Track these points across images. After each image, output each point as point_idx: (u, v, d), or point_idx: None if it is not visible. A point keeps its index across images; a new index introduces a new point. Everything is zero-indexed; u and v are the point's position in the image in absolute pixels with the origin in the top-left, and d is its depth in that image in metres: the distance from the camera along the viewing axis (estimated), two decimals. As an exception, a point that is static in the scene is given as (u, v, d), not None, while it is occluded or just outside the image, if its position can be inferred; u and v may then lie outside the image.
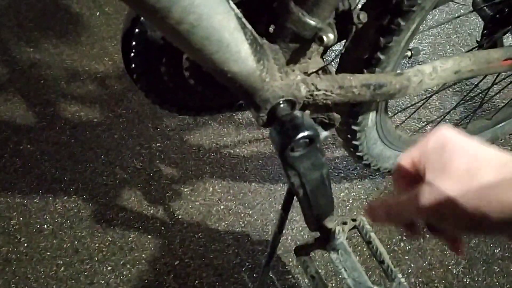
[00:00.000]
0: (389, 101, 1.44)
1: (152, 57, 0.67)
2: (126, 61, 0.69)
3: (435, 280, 1.10)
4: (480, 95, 1.44)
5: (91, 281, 1.05)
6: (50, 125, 1.31)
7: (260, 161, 1.28)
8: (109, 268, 1.07)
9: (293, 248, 0.89)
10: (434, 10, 1.80)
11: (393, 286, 0.81)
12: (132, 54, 0.66)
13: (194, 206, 1.18)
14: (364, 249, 1.13)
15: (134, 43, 0.65)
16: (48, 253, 1.09)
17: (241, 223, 1.16)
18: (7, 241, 1.10)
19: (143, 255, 1.09)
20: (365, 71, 0.72)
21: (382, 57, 0.70)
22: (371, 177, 1.28)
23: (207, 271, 1.08)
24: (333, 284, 1.07)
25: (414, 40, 1.68)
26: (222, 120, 1.36)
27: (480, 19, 1.06)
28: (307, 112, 0.72)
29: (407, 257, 1.13)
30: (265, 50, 0.58)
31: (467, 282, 1.10)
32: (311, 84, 0.65)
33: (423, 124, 1.39)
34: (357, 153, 0.96)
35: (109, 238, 1.11)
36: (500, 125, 1.23)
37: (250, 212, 1.18)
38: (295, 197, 0.71)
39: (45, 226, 1.13)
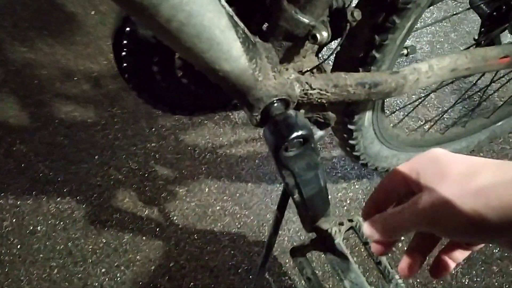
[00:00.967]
0: (387, 99, 1.44)
1: (144, 56, 0.66)
2: (118, 60, 0.67)
3: (433, 281, 1.09)
4: (478, 93, 1.43)
5: (85, 283, 1.04)
6: (44, 126, 1.30)
7: (256, 161, 1.27)
8: (103, 270, 1.06)
9: (289, 249, 0.88)
10: (432, 8, 1.79)
11: (390, 287, 0.80)
12: (124, 53, 0.65)
13: (189, 207, 1.17)
14: (361, 250, 1.12)
15: (125, 41, 0.64)
16: (41, 255, 1.07)
17: (237, 224, 1.15)
18: (0, 243, 1.09)
19: (138, 257, 1.08)
20: (360, 69, 0.71)
21: (377, 55, 0.68)
22: (368, 177, 1.27)
23: (203, 272, 1.07)
24: (330, 286, 1.06)
25: (412, 38, 1.67)
26: (218, 119, 1.35)
27: (478, 18, 1.05)
28: (302, 111, 0.70)
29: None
30: (258, 48, 0.57)
31: (466, 283, 1.09)
32: (305, 83, 0.63)
33: (421, 123, 1.38)
34: (354, 153, 0.95)
35: (103, 239, 1.10)
36: (499, 123, 1.22)
37: (246, 212, 1.17)
38: (290, 197, 0.70)
39: (38, 227, 1.11)
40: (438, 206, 0.36)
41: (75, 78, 1.41)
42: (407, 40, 1.65)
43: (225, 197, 1.20)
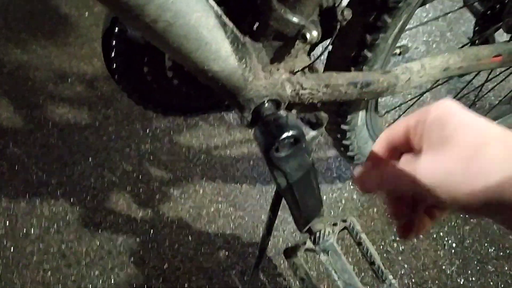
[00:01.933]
0: (382, 98, 1.43)
1: (134, 56, 0.66)
2: (107, 61, 0.67)
3: (429, 281, 1.09)
4: (474, 92, 1.42)
5: (79, 285, 1.03)
6: (37, 128, 1.29)
7: (251, 162, 1.27)
8: (96, 272, 1.05)
9: (283, 250, 0.88)
10: (428, 7, 1.79)
11: (384, 287, 0.80)
12: (113, 54, 0.65)
13: (184, 208, 1.17)
14: (357, 250, 1.11)
15: (114, 42, 0.63)
16: (34, 258, 1.07)
17: (231, 225, 1.15)
18: (-7, 246, 1.08)
19: (132, 258, 1.07)
20: (352, 69, 0.71)
21: (369, 54, 0.68)
22: (363, 176, 1.27)
23: (197, 274, 1.06)
24: (325, 286, 1.06)
25: (408, 38, 1.67)
26: (213, 121, 1.34)
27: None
28: (294, 111, 0.70)
29: (400, 258, 1.12)
30: (248, 48, 0.57)
31: (461, 282, 1.09)
32: (296, 83, 0.63)
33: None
34: (348, 153, 0.94)
35: (97, 242, 1.09)
36: (495, 122, 1.22)
37: (241, 214, 1.17)
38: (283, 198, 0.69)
39: (32, 230, 1.11)
40: (438, 176, 0.33)
41: (69, 80, 1.41)
42: (403, 40, 1.65)
43: (219, 199, 1.19)
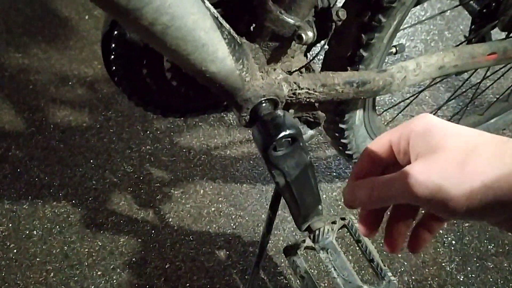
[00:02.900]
0: (381, 97, 1.44)
1: (133, 59, 0.66)
2: (107, 63, 0.68)
3: (429, 278, 1.09)
4: (472, 90, 1.43)
5: (81, 286, 1.04)
6: (39, 130, 1.30)
7: (251, 162, 1.27)
8: (99, 273, 1.06)
9: (283, 248, 0.89)
10: (425, 6, 1.80)
11: (383, 285, 0.81)
12: (112, 57, 0.66)
13: (184, 208, 1.18)
14: (356, 248, 1.12)
15: (113, 45, 0.64)
16: (37, 259, 1.08)
17: (232, 224, 1.16)
18: (-3, 248, 1.09)
19: (133, 259, 1.08)
20: (349, 68, 0.72)
21: (365, 54, 0.69)
22: (363, 175, 1.27)
23: (198, 273, 1.07)
24: (325, 284, 1.06)
25: (406, 37, 1.68)
26: (212, 121, 1.35)
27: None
28: (291, 111, 0.71)
29: (400, 255, 1.13)
30: (245, 49, 0.58)
31: (461, 279, 1.10)
32: (293, 83, 0.64)
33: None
34: (347, 152, 0.95)
35: (99, 242, 1.10)
36: (493, 120, 1.22)
37: (241, 213, 1.18)
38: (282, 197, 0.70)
39: (35, 232, 1.12)
40: (434, 181, 0.33)
41: (69, 83, 1.42)
42: (401, 39, 1.66)
43: (220, 198, 1.20)
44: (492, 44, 0.79)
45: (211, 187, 1.22)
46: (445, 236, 1.17)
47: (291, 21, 0.56)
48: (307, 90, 0.65)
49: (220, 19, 0.52)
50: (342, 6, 0.63)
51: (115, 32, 0.63)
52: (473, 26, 1.06)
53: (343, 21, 0.61)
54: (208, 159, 1.27)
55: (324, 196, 1.23)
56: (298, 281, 1.00)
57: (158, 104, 0.76)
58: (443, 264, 1.12)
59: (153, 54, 0.66)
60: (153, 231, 1.13)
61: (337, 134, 0.89)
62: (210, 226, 1.15)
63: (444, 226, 1.15)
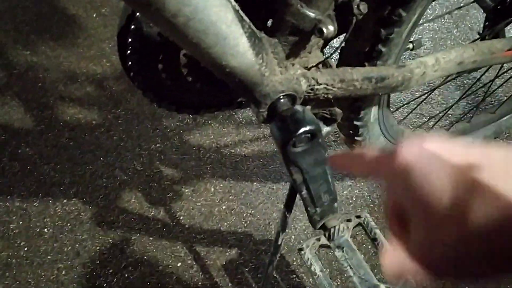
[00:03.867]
0: (391, 95, 1.43)
1: (149, 54, 0.66)
2: (123, 59, 0.67)
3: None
4: (483, 88, 1.42)
5: (93, 284, 1.04)
6: (48, 128, 1.30)
7: (261, 160, 1.27)
8: (110, 271, 1.06)
9: (297, 247, 0.88)
10: (434, 4, 1.79)
11: (399, 283, 0.80)
12: (129, 52, 0.65)
13: (195, 207, 1.17)
14: (369, 246, 1.11)
15: (130, 40, 0.64)
16: (49, 257, 1.07)
17: (243, 223, 1.15)
18: (7, 246, 1.09)
19: (145, 257, 1.08)
20: (366, 64, 0.71)
21: (383, 49, 0.68)
22: (374, 173, 1.26)
23: (211, 272, 1.06)
24: (338, 283, 1.05)
25: (414, 35, 1.67)
26: (222, 119, 1.35)
27: (481, 14, 1.05)
28: (308, 107, 0.70)
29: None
30: (264, 43, 0.57)
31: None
32: (311, 78, 0.63)
33: (425, 119, 1.38)
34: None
35: (110, 240, 1.10)
36: (505, 118, 1.22)
37: (252, 211, 1.17)
38: (297, 195, 0.69)
39: (45, 229, 1.11)
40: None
41: (78, 81, 1.41)
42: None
43: (230, 197, 1.19)
44: (510, 40, 0.78)
45: (221, 185, 1.21)
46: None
47: (312, 14, 0.55)
48: (325, 86, 0.64)
49: (241, 12, 0.51)
50: (362, 0, 0.62)
51: (132, 27, 0.62)
52: (487, 23, 1.05)
53: (363, 15, 0.60)
54: (218, 157, 1.27)
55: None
56: (311, 280, 0.99)
57: (172, 100, 0.76)
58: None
59: (170, 49, 0.66)
60: (164, 229, 1.12)
61: (351, 132, 0.89)
62: (221, 225, 1.14)
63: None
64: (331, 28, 0.55)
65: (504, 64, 1.00)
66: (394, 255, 0.31)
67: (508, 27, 1.01)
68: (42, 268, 1.06)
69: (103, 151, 1.26)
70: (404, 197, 0.30)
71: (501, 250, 0.25)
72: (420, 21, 0.71)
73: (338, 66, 0.68)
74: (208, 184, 1.21)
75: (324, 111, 0.72)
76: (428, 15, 1.75)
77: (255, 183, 1.22)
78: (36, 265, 1.06)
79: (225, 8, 0.48)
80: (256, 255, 1.09)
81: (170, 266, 1.07)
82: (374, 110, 0.85)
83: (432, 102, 1.45)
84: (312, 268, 0.83)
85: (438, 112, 1.41)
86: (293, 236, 1.13)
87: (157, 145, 1.28)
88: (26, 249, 1.08)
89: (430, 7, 1.81)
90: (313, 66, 0.65)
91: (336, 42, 1.37)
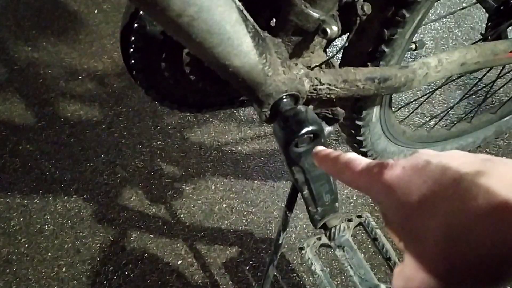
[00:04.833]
0: (393, 96, 1.43)
1: (152, 52, 0.66)
2: (126, 57, 0.67)
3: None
4: (484, 89, 1.42)
5: (93, 281, 1.04)
6: (49, 125, 1.30)
7: (262, 159, 1.27)
8: (111, 268, 1.06)
9: (298, 246, 0.88)
10: (436, 4, 1.79)
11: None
12: (131, 50, 0.65)
13: (196, 204, 1.17)
14: (369, 246, 1.11)
15: (133, 38, 0.63)
16: (49, 254, 1.07)
17: (244, 221, 1.15)
18: (8, 242, 1.09)
19: (145, 254, 1.08)
20: (369, 64, 0.71)
21: (386, 50, 0.68)
22: (374, 173, 1.26)
23: (211, 270, 1.06)
24: (339, 282, 1.06)
25: (416, 35, 1.66)
26: (224, 117, 1.35)
27: (482, 13, 1.05)
28: (311, 107, 0.70)
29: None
30: (267, 43, 0.57)
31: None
32: (314, 78, 0.63)
33: (427, 119, 1.38)
34: (361, 149, 0.94)
35: (110, 237, 1.10)
36: (505, 119, 1.21)
37: (253, 210, 1.17)
38: (299, 194, 0.69)
39: (46, 226, 1.12)
40: None
41: (79, 77, 1.41)
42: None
43: (231, 195, 1.19)
44: (513, 41, 0.78)
45: (222, 183, 1.21)
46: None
47: (316, 15, 0.55)
48: (328, 86, 0.64)
49: (245, 12, 0.51)
50: (366, 0, 0.62)
51: (135, 25, 0.62)
52: (489, 24, 1.05)
53: (367, 15, 0.60)
54: (219, 155, 1.27)
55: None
56: (311, 278, 1.00)
57: (175, 98, 0.76)
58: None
59: (172, 48, 0.65)
60: (164, 227, 1.12)
61: (353, 131, 0.89)
62: (222, 223, 1.14)
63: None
64: (334, 28, 0.55)
65: (506, 65, 1.00)
66: (402, 272, 0.31)
67: (510, 28, 1.01)
68: (42, 265, 1.06)
69: (104, 148, 1.26)
70: (393, 213, 0.31)
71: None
72: (425, 21, 0.70)
73: (341, 66, 0.68)
74: (209, 182, 1.21)
75: (327, 111, 0.72)
76: (430, 15, 1.75)
77: (256, 182, 1.22)
78: (36, 261, 1.06)
79: (229, 8, 0.48)
80: (256, 253, 1.10)
81: (170, 264, 1.07)
82: (376, 110, 0.85)
83: (433, 102, 1.45)
84: (313, 267, 0.83)
85: (439, 112, 1.41)
86: (293, 235, 1.13)
87: (158, 142, 1.28)
88: (26, 245, 1.08)
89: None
90: (316, 66, 0.65)
91: (339, 41, 1.37)
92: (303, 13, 0.55)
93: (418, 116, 1.40)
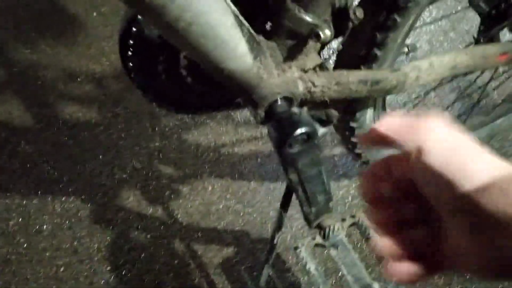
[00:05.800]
0: (387, 97, 1.44)
1: (150, 55, 0.67)
2: (124, 60, 0.69)
3: (436, 275, 1.10)
4: (478, 91, 1.44)
5: (91, 281, 1.05)
6: (48, 126, 1.31)
7: (258, 160, 1.28)
8: (108, 268, 1.07)
9: (293, 245, 0.89)
10: (431, 7, 1.80)
11: (392, 283, 0.82)
12: (130, 53, 0.66)
13: (193, 205, 1.18)
14: (364, 246, 1.13)
15: (131, 42, 0.65)
16: (47, 254, 1.09)
17: (240, 221, 1.16)
18: (7, 242, 1.10)
19: (143, 254, 1.09)
20: (362, 67, 0.72)
21: (379, 53, 0.70)
22: (369, 174, 1.28)
23: (207, 270, 1.08)
24: (333, 281, 1.07)
25: (411, 37, 1.68)
26: (220, 119, 1.36)
27: (478, 17, 1.06)
28: (305, 108, 0.72)
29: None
30: (262, 47, 0.58)
31: (467, 276, 1.10)
32: (308, 81, 0.65)
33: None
34: (356, 151, 0.96)
35: (108, 238, 1.11)
36: (499, 121, 1.23)
37: (249, 210, 1.18)
38: (293, 194, 0.71)
39: (44, 226, 1.13)
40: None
41: (78, 79, 1.42)
42: (408, 39, 1.66)
43: (228, 196, 1.21)
44: (504, 45, 0.80)
45: (219, 184, 1.23)
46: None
47: (309, 19, 0.56)
48: (321, 88, 0.66)
49: (240, 16, 0.53)
50: (358, 5, 0.64)
51: (133, 29, 0.63)
52: (481, 27, 1.06)
53: (359, 20, 0.62)
54: (216, 156, 1.28)
55: (331, 194, 1.23)
56: (306, 278, 1.01)
57: (172, 101, 0.77)
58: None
59: (170, 51, 0.67)
60: (162, 227, 1.14)
61: (347, 133, 0.90)
62: (219, 223, 1.16)
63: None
64: (327, 32, 0.57)
65: (500, 67, 1.02)
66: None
67: (503, 31, 1.03)
68: (41, 265, 1.07)
69: (102, 150, 1.27)
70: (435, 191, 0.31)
71: None
72: (417, 25, 0.72)
73: (335, 68, 0.69)
74: (206, 182, 1.23)
75: (320, 113, 0.74)
76: (426, 18, 1.77)
77: (252, 182, 1.24)
78: (35, 261, 1.07)
79: (225, 13, 0.49)
80: (252, 253, 1.11)
81: (167, 264, 1.08)
82: (370, 112, 0.86)
83: (428, 103, 1.46)
84: (307, 267, 0.84)
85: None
86: (289, 235, 1.15)
87: (156, 144, 1.29)
88: (25, 245, 1.10)
89: (427, 9, 1.83)
90: (310, 69, 0.67)
91: (334, 44, 1.39)
92: (297, 18, 0.56)
93: (413, 118, 1.41)
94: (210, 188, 1.22)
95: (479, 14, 1.03)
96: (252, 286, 1.05)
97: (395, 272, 0.34)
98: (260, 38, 0.59)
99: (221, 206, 1.19)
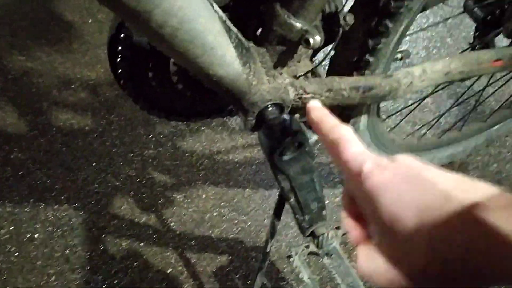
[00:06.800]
0: (383, 103, 1.44)
1: (139, 62, 0.67)
2: (113, 66, 0.68)
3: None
4: (474, 97, 1.43)
5: (83, 290, 1.04)
6: (41, 133, 1.30)
7: (253, 167, 1.27)
8: (100, 277, 1.06)
9: (287, 254, 0.88)
10: (427, 13, 1.80)
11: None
12: (119, 59, 0.66)
13: (187, 213, 1.17)
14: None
15: (120, 48, 0.64)
16: (39, 263, 1.07)
17: (234, 229, 1.15)
18: (-2, 251, 1.09)
19: (135, 263, 1.08)
20: (354, 73, 0.72)
21: (371, 59, 0.69)
22: (365, 181, 1.27)
23: (201, 278, 1.06)
24: (328, 290, 1.06)
25: (408, 44, 1.68)
26: (215, 126, 1.35)
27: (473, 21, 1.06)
28: (297, 115, 0.71)
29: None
30: (252, 53, 0.58)
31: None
32: (299, 87, 0.64)
33: (417, 127, 1.38)
34: (350, 157, 0.95)
35: (100, 246, 1.10)
36: (495, 127, 1.22)
37: (244, 218, 1.17)
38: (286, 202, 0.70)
39: (36, 235, 1.11)
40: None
41: (72, 86, 1.42)
42: (403, 45, 1.66)
43: (222, 203, 1.20)
44: (498, 51, 0.79)
45: (213, 191, 1.22)
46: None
47: (298, 25, 0.56)
48: (313, 95, 0.65)
49: (228, 22, 0.52)
50: (349, 11, 0.63)
51: (122, 35, 0.63)
52: (477, 33, 1.06)
53: (350, 26, 0.61)
54: (211, 163, 1.27)
55: (327, 201, 1.22)
56: (301, 286, 1.00)
57: (163, 107, 0.76)
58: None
59: (159, 58, 0.66)
60: (155, 236, 1.12)
61: (341, 140, 0.89)
62: (213, 231, 1.14)
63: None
64: (317, 38, 0.56)
65: (497, 73, 1.01)
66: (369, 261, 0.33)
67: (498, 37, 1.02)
68: (32, 274, 1.06)
69: (96, 157, 1.26)
70: (368, 209, 0.33)
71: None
72: (414, 30, 0.71)
73: (327, 75, 0.69)
74: (200, 190, 1.22)
75: (313, 120, 0.73)
76: (423, 24, 1.77)
77: (247, 190, 1.23)
78: (26, 270, 1.06)
79: (212, 18, 0.49)
80: (246, 261, 1.10)
81: (160, 273, 1.07)
82: (363, 118, 0.85)
83: (424, 110, 1.46)
84: (300, 276, 0.83)
85: (430, 120, 1.42)
86: (283, 243, 1.14)
87: (150, 151, 1.28)
88: (16, 254, 1.08)
89: (423, 15, 1.83)
90: (301, 75, 0.66)
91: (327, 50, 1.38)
92: (286, 23, 0.56)
93: (409, 124, 1.41)
94: (204, 196, 1.21)
95: (474, 20, 1.03)
96: (246, 295, 1.04)
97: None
98: (250, 44, 0.59)
99: (215, 214, 1.18)
